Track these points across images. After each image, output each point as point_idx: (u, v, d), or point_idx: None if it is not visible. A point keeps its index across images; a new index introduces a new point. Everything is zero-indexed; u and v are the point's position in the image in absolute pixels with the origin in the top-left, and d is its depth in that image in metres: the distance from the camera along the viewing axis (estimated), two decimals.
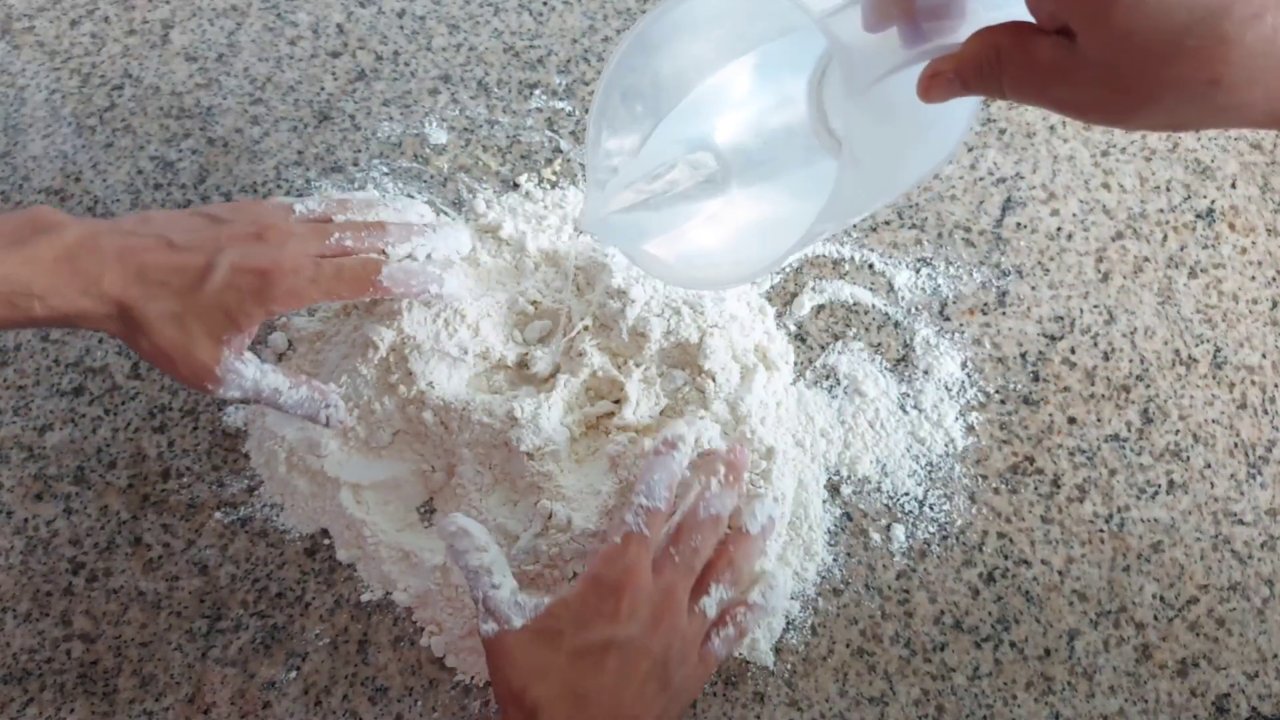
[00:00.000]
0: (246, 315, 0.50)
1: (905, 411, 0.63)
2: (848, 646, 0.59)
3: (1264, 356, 0.64)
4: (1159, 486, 0.61)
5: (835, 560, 0.61)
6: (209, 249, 0.51)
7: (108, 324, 0.49)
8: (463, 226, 0.63)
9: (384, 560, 0.60)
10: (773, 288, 0.67)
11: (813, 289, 0.66)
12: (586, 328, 0.61)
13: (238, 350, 0.52)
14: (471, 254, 0.63)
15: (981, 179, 0.69)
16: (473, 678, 0.58)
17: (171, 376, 0.52)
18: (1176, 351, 0.64)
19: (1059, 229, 0.68)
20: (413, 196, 0.69)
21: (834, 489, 0.62)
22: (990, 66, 0.34)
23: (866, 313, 0.66)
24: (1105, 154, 0.69)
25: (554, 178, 0.70)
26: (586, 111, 0.72)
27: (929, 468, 0.62)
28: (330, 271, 0.52)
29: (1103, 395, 0.63)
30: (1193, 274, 0.66)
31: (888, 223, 0.68)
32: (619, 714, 0.46)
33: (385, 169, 0.71)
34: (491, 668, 0.49)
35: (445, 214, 0.68)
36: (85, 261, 0.48)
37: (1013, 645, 0.59)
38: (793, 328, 0.65)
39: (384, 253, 0.56)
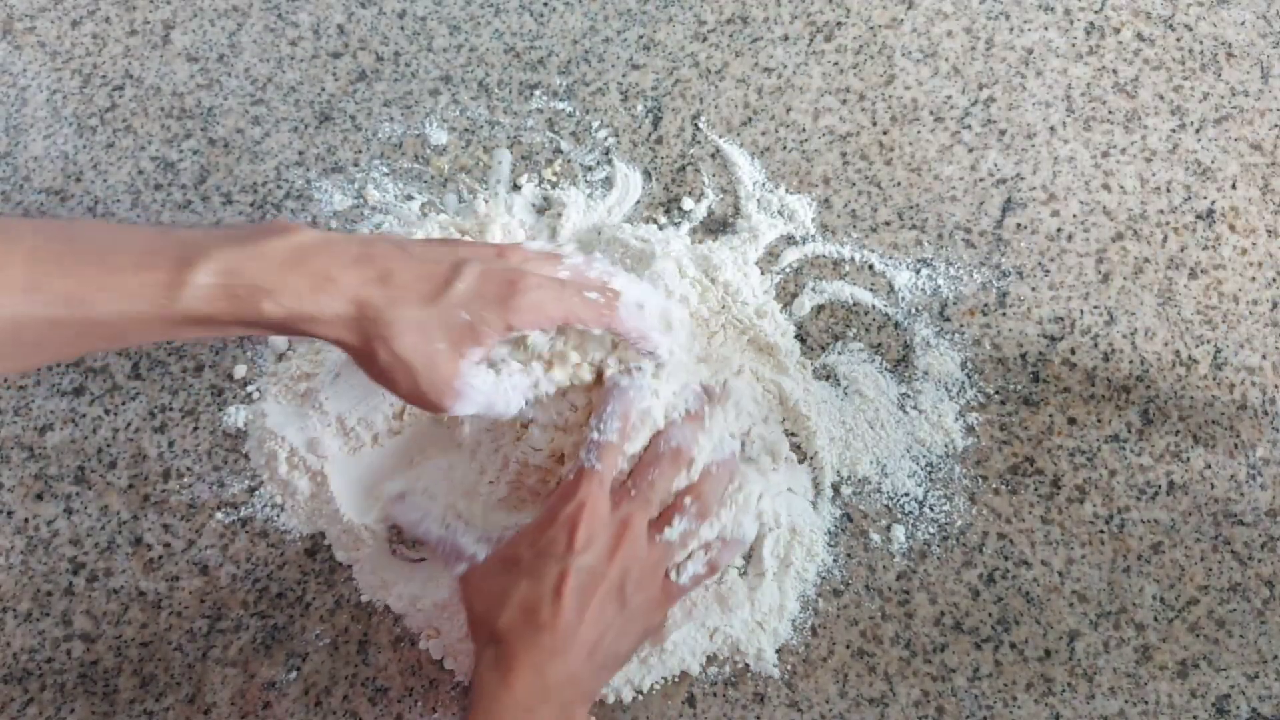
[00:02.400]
0: (489, 326, 0.48)
1: (905, 412, 0.63)
2: (848, 647, 0.59)
3: (1264, 358, 0.64)
4: (1159, 487, 0.61)
5: (835, 561, 0.61)
6: (452, 258, 0.49)
7: (342, 330, 0.47)
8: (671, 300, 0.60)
9: (379, 566, 0.60)
10: (774, 286, 0.67)
11: (812, 289, 0.66)
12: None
13: (477, 364, 0.49)
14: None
15: (982, 180, 0.69)
16: (471, 680, 0.58)
17: (405, 392, 0.49)
18: (1177, 353, 0.64)
19: (1059, 230, 0.68)
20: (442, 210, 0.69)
21: (834, 489, 0.62)
22: None
23: (866, 313, 0.66)
24: (1106, 155, 0.70)
25: (554, 178, 0.70)
26: (588, 112, 0.72)
27: (929, 468, 0.62)
28: (573, 290, 0.51)
29: (1103, 396, 0.63)
30: (1193, 275, 0.66)
31: (888, 223, 0.68)
32: (576, 636, 0.48)
33: (386, 169, 0.71)
34: (463, 602, 0.51)
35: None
36: (321, 261, 0.46)
37: (1013, 646, 0.59)
38: (793, 328, 0.65)
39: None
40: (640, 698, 0.58)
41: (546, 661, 0.47)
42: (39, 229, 0.44)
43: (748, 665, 0.58)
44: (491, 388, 0.51)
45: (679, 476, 0.55)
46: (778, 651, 0.59)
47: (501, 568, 0.51)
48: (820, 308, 0.66)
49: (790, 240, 0.68)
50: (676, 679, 0.58)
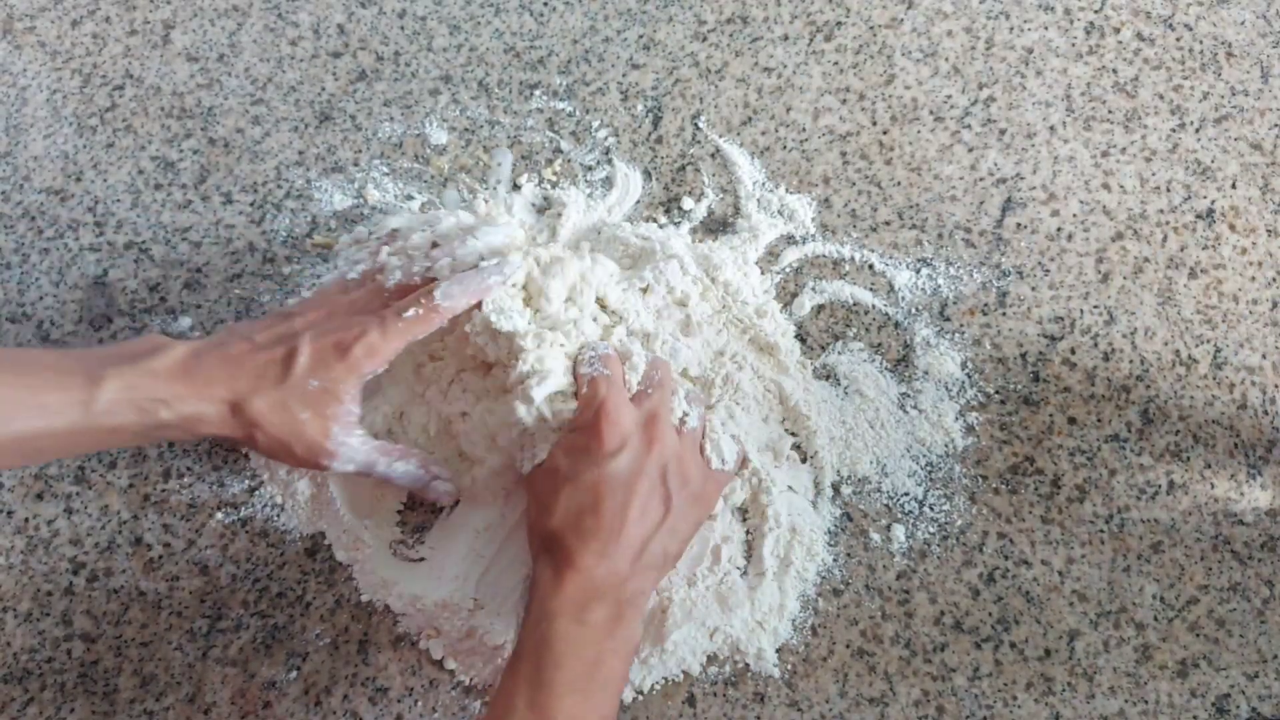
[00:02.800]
0: (339, 383, 0.54)
1: (905, 411, 0.63)
2: (848, 647, 0.59)
3: (1264, 357, 0.64)
4: (1159, 487, 0.61)
5: (835, 560, 0.61)
6: (287, 339, 0.55)
7: (223, 426, 0.53)
8: (499, 223, 0.63)
9: (380, 566, 0.60)
10: (774, 286, 0.67)
11: (813, 289, 0.66)
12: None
13: (345, 425, 0.55)
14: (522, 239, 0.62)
15: (982, 180, 0.69)
16: (472, 678, 0.58)
17: (291, 464, 0.56)
18: (1177, 352, 0.64)
19: (1059, 230, 0.68)
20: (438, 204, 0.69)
21: (834, 489, 0.62)
22: None
23: (866, 313, 0.66)
24: (1105, 155, 0.70)
25: (554, 178, 0.70)
26: (588, 112, 0.72)
27: (929, 468, 0.62)
28: (393, 317, 0.56)
29: (1103, 396, 0.63)
30: (1193, 275, 0.66)
31: (888, 223, 0.68)
32: (621, 538, 0.52)
33: (386, 169, 0.71)
34: (527, 507, 0.56)
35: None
36: (196, 371, 0.53)
37: (1013, 646, 0.59)
38: (793, 328, 0.65)
39: (434, 278, 0.58)
40: (640, 698, 0.58)
41: (597, 562, 0.51)
42: None
43: (748, 665, 0.58)
44: (368, 448, 0.56)
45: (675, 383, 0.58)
46: (778, 651, 0.59)
47: (545, 481, 0.54)
48: (820, 307, 0.66)
49: (790, 240, 0.68)
50: (677, 679, 0.58)
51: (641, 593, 0.53)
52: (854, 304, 0.66)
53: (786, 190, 0.69)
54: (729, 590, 0.58)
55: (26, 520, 0.63)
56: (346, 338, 0.54)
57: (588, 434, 0.53)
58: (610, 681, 0.50)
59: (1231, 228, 0.67)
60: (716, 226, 0.69)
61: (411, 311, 0.56)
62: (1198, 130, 0.70)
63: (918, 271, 0.67)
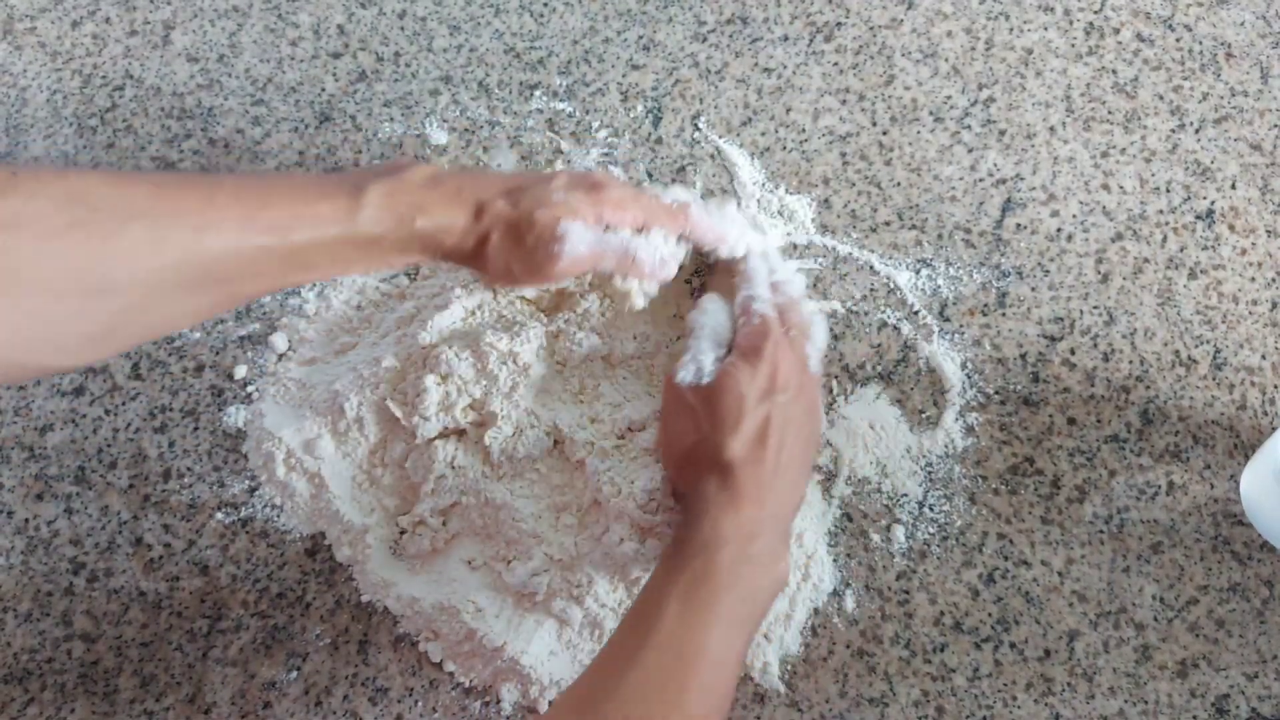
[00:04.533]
0: (581, 204, 0.55)
1: (905, 412, 0.63)
2: (848, 647, 0.59)
3: (1264, 358, 0.64)
4: (1159, 487, 0.61)
5: (835, 561, 0.61)
6: (546, 174, 0.57)
7: (466, 234, 0.54)
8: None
9: (380, 566, 0.60)
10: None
11: (810, 297, 0.66)
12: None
13: (570, 223, 0.55)
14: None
15: (981, 180, 0.69)
16: (472, 680, 0.58)
17: (519, 267, 0.56)
18: (1176, 353, 0.64)
19: (1059, 230, 0.68)
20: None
21: (834, 489, 0.62)
22: None
23: (867, 313, 0.66)
24: (1105, 155, 0.70)
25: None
26: (588, 112, 0.72)
27: (929, 468, 0.62)
28: (652, 194, 0.58)
29: (1103, 396, 0.64)
30: (1192, 275, 0.66)
31: (888, 224, 0.68)
32: (781, 469, 0.53)
33: None
34: (672, 415, 0.57)
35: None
36: (447, 182, 0.55)
37: (1013, 646, 0.59)
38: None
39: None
40: None
41: (766, 494, 0.52)
42: (234, 176, 0.52)
43: (751, 677, 0.58)
44: (595, 235, 0.56)
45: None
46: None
47: (723, 397, 0.54)
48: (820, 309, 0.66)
49: (792, 246, 0.68)
50: None
51: (790, 529, 0.55)
52: (854, 304, 0.66)
53: (786, 191, 0.69)
54: None
55: (26, 520, 0.63)
56: (604, 183, 0.56)
57: (766, 366, 0.54)
58: (756, 616, 0.52)
59: (1231, 228, 0.67)
60: None
61: (669, 202, 0.58)
62: (1197, 131, 0.70)
63: (918, 272, 0.67)
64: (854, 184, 0.69)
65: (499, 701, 0.58)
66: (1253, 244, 0.67)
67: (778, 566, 0.52)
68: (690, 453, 0.55)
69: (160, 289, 0.47)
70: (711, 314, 0.58)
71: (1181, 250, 0.67)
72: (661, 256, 0.57)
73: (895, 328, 0.66)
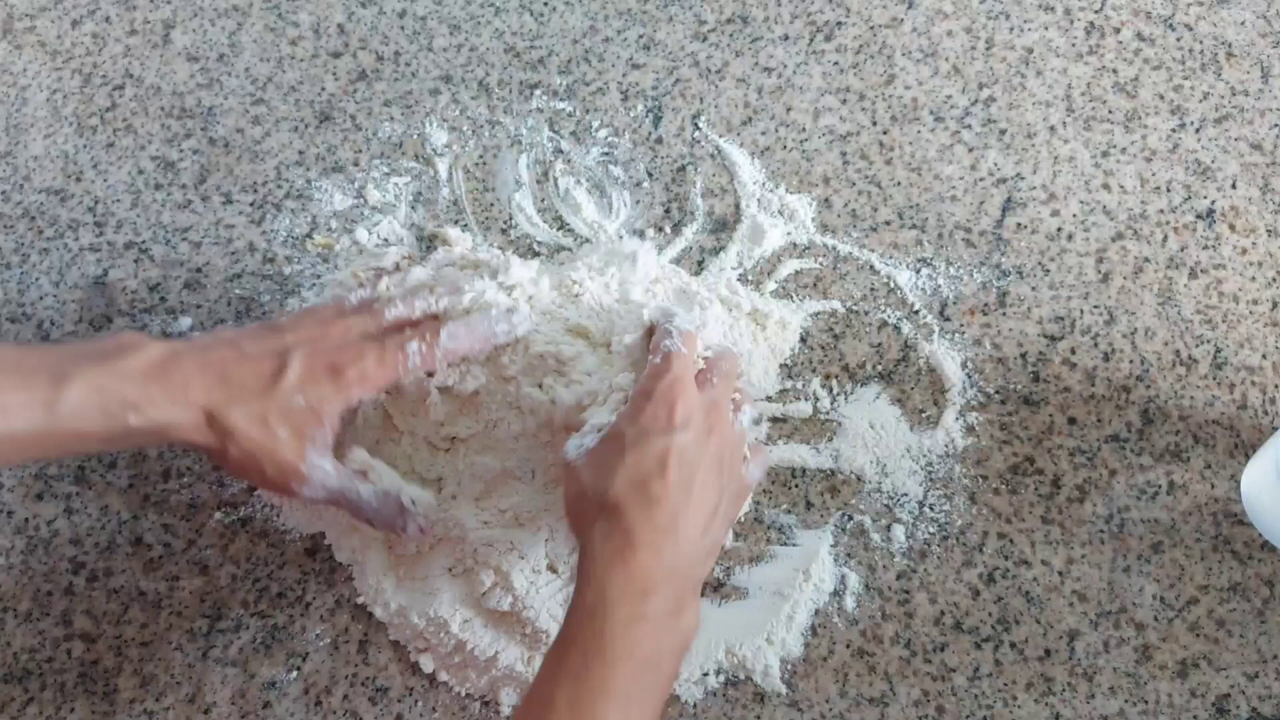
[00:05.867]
0: (325, 403, 0.52)
1: (905, 412, 0.63)
2: (848, 647, 0.59)
3: (1264, 357, 0.64)
4: (1159, 487, 0.61)
5: (835, 561, 0.61)
6: (279, 350, 0.53)
7: (196, 434, 0.50)
8: (520, 261, 0.62)
9: (375, 570, 0.60)
10: (771, 295, 0.67)
11: (811, 297, 0.66)
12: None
13: (321, 448, 0.52)
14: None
15: (982, 179, 0.69)
16: (467, 690, 0.58)
17: (258, 484, 0.54)
18: (1177, 352, 0.64)
19: (1059, 230, 0.68)
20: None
21: (834, 489, 0.62)
22: None
23: (867, 313, 0.66)
24: (1106, 155, 0.70)
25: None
26: (588, 112, 0.72)
27: (929, 468, 0.62)
28: (394, 348, 0.54)
29: (1103, 396, 0.63)
30: (1193, 275, 0.66)
31: (888, 223, 0.68)
32: (687, 512, 0.48)
33: (386, 169, 0.71)
34: (569, 486, 0.51)
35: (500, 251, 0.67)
36: (172, 373, 0.50)
37: (1013, 646, 0.59)
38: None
39: (437, 316, 0.57)
40: None
41: (663, 540, 0.47)
42: None
43: (752, 679, 0.58)
44: (341, 473, 0.53)
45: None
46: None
47: (606, 444, 0.50)
48: (819, 311, 0.66)
49: (791, 247, 0.68)
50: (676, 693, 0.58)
51: (699, 580, 0.50)
52: (854, 305, 0.66)
53: (786, 190, 0.69)
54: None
55: (26, 520, 0.63)
56: (341, 360, 0.53)
57: (658, 404, 0.50)
58: (662, 684, 0.47)
59: (1232, 228, 0.67)
60: (717, 227, 0.69)
61: (415, 345, 0.54)
62: (1198, 130, 0.70)
63: (918, 271, 0.67)
64: (854, 183, 0.69)
65: (499, 704, 0.58)
66: (1253, 243, 0.67)
67: (681, 622, 0.47)
68: (579, 506, 0.50)
69: None
70: (619, 380, 0.55)
71: (1182, 250, 0.67)
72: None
73: (895, 327, 0.65)
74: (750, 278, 0.67)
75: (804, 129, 0.71)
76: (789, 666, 0.59)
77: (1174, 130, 0.70)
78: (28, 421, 0.46)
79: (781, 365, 0.65)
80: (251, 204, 0.70)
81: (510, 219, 0.69)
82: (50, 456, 0.50)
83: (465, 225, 0.69)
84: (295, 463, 0.51)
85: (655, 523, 0.47)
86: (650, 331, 0.56)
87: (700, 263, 0.68)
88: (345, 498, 0.54)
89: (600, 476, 0.49)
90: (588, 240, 0.68)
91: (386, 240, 0.69)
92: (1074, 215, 0.68)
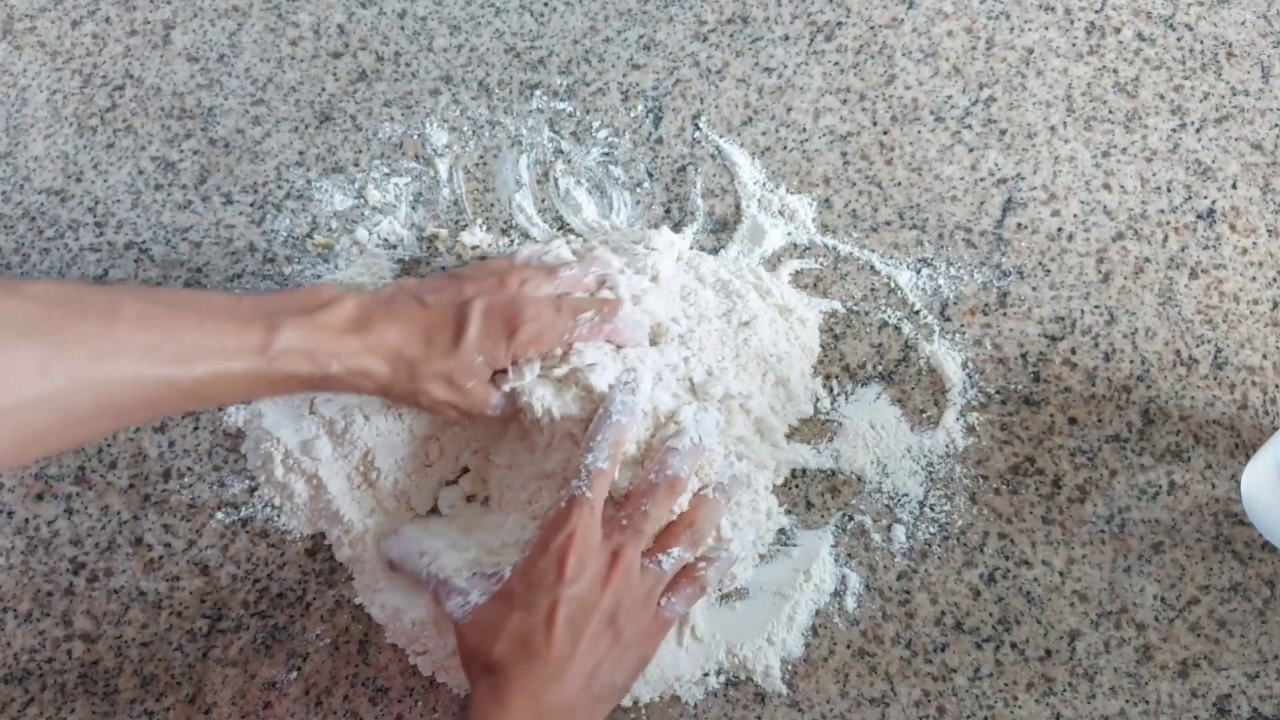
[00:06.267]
0: (500, 361, 0.55)
1: (905, 412, 0.63)
2: (848, 647, 0.59)
3: (1265, 357, 0.64)
4: (1160, 487, 0.61)
5: (835, 561, 0.61)
6: (459, 302, 0.55)
7: (389, 385, 0.54)
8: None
9: (373, 571, 0.60)
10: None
11: (812, 297, 0.66)
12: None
13: (500, 387, 0.56)
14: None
15: (982, 180, 0.69)
16: (465, 692, 0.58)
17: (452, 420, 0.58)
18: (1177, 352, 0.64)
19: (1060, 230, 0.68)
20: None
21: (834, 489, 0.62)
22: None
23: (867, 313, 0.66)
24: (1106, 155, 0.69)
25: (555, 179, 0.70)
26: (588, 112, 0.72)
27: (929, 468, 0.62)
28: (569, 314, 0.56)
29: (1103, 396, 0.63)
30: (1194, 275, 0.66)
31: (888, 223, 0.68)
32: (571, 664, 0.49)
33: (386, 169, 0.71)
34: (458, 642, 0.52)
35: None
36: (368, 328, 0.53)
37: (1014, 646, 0.59)
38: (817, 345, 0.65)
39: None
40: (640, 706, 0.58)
41: (542, 688, 0.48)
42: (138, 295, 0.49)
43: (753, 679, 0.58)
44: (508, 399, 0.57)
45: (671, 505, 0.55)
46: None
47: (495, 602, 0.52)
48: (819, 311, 0.66)
49: (792, 247, 0.68)
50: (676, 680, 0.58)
51: None
52: (854, 304, 0.66)
53: (787, 190, 0.69)
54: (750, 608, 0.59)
55: (26, 520, 0.63)
56: (517, 317, 0.55)
57: (550, 559, 0.51)
58: None
59: (1232, 228, 0.67)
60: (717, 227, 0.69)
61: (589, 315, 0.56)
62: (1198, 130, 0.70)
63: (918, 272, 0.67)
64: (855, 183, 0.69)
65: None
66: (1254, 243, 0.67)
67: None
68: (467, 670, 0.51)
69: (46, 414, 0.44)
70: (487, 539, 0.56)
71: (1182, 250, 0.67)
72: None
73: (896, 327, 0.65)
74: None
75: (804, 129, 0.71)
76: (789, 667, 0.59)
77: (1174, 130, 0.70)
78: (245, 364, 0.49)
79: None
80: (252, 204, 0.70)
81: (510, 219, 0.69)
82: (259, 396, 0.54)
83: (465, 225, 0.69)
84: (483, 406, 0.56)
85: (536, 672, 0.48)
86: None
87: None
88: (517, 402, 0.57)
89: (485, 638, 0.50)
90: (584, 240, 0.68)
91: (387, 240, 0.69)
92: (1074, 215, 0.68)
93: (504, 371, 0.56)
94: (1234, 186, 0.68)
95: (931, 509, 0.61)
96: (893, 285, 0.66)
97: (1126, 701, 0.57)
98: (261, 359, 0.50)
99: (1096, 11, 0.74)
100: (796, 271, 0.67)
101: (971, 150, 0.70)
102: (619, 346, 0.58)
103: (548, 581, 0.50)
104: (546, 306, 0.56)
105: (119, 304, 0.47)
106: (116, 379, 0.46)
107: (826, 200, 0.69)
